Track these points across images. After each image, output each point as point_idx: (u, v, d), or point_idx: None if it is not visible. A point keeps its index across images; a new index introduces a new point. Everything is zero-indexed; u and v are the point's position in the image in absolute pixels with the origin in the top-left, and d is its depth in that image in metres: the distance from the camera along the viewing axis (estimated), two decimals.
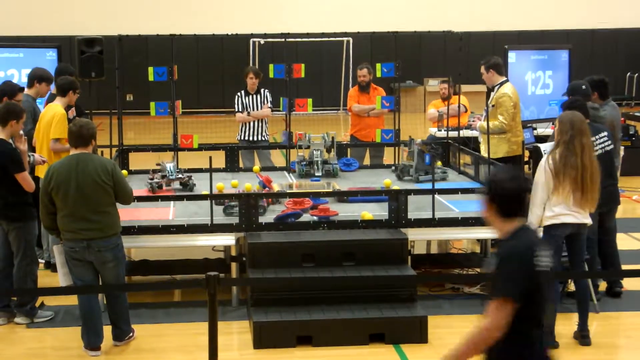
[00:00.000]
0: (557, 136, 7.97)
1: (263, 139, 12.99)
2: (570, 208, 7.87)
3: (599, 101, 9.61)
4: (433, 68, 26.96)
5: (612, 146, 8.99)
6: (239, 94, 13.13)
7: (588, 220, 7.99)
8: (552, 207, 7.91)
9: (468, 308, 8.94)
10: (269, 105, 13.02)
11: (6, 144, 8.53)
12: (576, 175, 7.78)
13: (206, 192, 9.36)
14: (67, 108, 9.96)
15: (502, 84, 11.17)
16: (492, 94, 11.25)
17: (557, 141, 7.94)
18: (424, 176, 10.76)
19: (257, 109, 12.97)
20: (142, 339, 8.20)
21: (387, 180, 10.47)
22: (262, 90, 13.06)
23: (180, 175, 10.68)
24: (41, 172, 9.35)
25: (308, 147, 11.31)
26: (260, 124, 13.05)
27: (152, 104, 11.61)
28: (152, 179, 10.61)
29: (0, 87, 10.06)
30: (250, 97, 13.03)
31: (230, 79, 27.02)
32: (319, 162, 10.98)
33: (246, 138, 13.04)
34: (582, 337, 8.04)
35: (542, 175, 7.91)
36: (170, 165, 10.70)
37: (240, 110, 13.01)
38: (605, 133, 8.96)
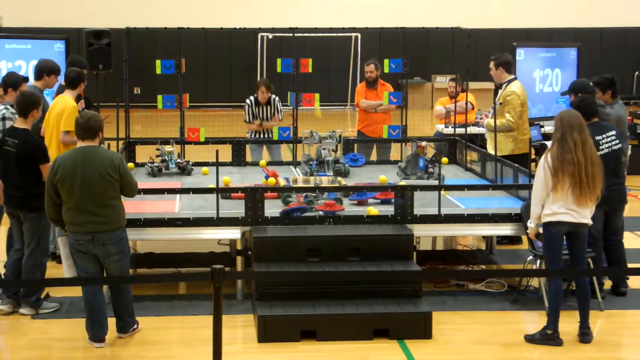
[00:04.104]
0: (552, 135, 8.02)
1: (272, 136, 12.98)
2: (569, 206, 7.87)
3: (610, 100, 9.61)
4: (441, 65, 26.95)
5: (619, 145, 8.96)
6: (248, 101, 12.99)
7: (586, 220, 7.98)
8: (550, 205, 7.92)
9: (472, 304, 8.95)
10: (280, 117, 12.95)
11: (32, 135, 8.62)
12: (574, 171, 7.78)
13: (212, 185, 9.37)
14: (77, 99, 10.00)
15: (510, 81, 11.16)
16: (500, 91, 11.24)
17: (552, 139, 7.99)
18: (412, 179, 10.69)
19: (268, 119, 12.91)
20: (146, 332, 8.21)
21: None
22: (272, 100, 12.97)
23: (178, 160, 11.11)
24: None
25: (318, 143, 11.19)
26: (269, 130, 12.97)
27: (160, 97, 11.63)
28: (152, 162, 10.97)
29: (3, 79, 10.07)
30: (261, 107, 12.96)
31: (238, 73, 27.06)
32: (330, 161, 10.93)
33: (255, 137, 13.01)
34: (583, 334, 8.03)
35: (541, 174, 7.92)
36: (171, 151, 11.15)
37: (249, 120, 12.94)
38: (614, 132, 8.94)
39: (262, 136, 13.00)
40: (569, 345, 7.95)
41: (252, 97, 12.97)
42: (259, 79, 16.50)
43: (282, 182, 10.22)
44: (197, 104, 22.58)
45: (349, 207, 9.50)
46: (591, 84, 9.63)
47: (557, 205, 7.90)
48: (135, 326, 8.16)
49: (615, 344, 8.24)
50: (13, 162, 8.54)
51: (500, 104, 11.07)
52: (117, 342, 8.04)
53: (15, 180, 8.57)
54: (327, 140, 11.11)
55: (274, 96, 12.95)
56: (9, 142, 8.57)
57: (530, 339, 8.01)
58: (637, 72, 27.82)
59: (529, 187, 8.98)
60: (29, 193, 8.53)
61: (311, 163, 10.98)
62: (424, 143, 10.98)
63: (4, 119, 9.57)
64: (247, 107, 13.00)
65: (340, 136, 11.27)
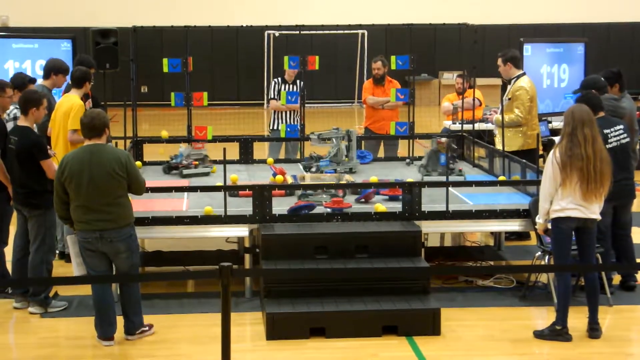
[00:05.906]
0: (562, 129, 7.99)
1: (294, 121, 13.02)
2: (577, 202, 7.85)
3: (618, 93, 9.59)
4: (448, 61, 26.89)
5: (628, 139, 8.95)
6: (275, 80, 13.23)
7: (595, 216, 7.96)
8: (559, 200, 7.90)
9: (481, 301, 8.94)
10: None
11: (31, 132, 8.65)
12: (582, 165, 7.76)
13: (220, 183, 9.38)
14: (84, 98, 10.03)
15: (518, 77, 11.13)
16: (509, 87, 11.22)
17: (562, 134, 7.95)
18: (433, 175, 10.49)
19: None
20: (155, 330, 8.21)
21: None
22: (298, 82, 13.04)
23: (174, 161, 11.16)
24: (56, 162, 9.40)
25: (327, 140, 11.15)
26: (292, 115, 13.03)
27: (172, 94, 11.63)
28: (168, 161, 11.24)
29: (11, 80, 10.11)
30: (288, 86, 13.06)
31: (245, 71, 27.04)
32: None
33: (278, 128, 13.03)
34: (592, 329, 8.02)
35: (550, 169, 7.90)
36: (181, 151, 11.23)
37: (274, 97, 13.07)
38: (622, 126, 8.91)
39: (285, 119, 13.01)
40: (578, 340, 7.93)
41: (279, 77, 13.16)
42: (265, 76, 16.55)
43: (290, 180, 10.22)
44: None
45: (355, 205, 9.48)
46: (602, 79, 9.60)
47: (565, 200, 7.88)
48: (146, 328, 8.12)
49: (624, 339, 8.22)
50: (14, 159, 8.58)
51: (509, 99, 11.05)
52: (126, 340, 8.04)
53: (18, 177, 8.63)
54: (333, 139, 11.10)
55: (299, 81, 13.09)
56: (11, 139, 8.65)
57: (539, 334, 8.00)
58: None
59: (537, 182, 8.97)
60: (32, 190, 8.57)
61: (313, 160, 11.00)
62: (443, 139, 10.77)
63: (15, 118, 9.62)
64: (274, 84, 13.23)
65: (350, 135, 11.23)
